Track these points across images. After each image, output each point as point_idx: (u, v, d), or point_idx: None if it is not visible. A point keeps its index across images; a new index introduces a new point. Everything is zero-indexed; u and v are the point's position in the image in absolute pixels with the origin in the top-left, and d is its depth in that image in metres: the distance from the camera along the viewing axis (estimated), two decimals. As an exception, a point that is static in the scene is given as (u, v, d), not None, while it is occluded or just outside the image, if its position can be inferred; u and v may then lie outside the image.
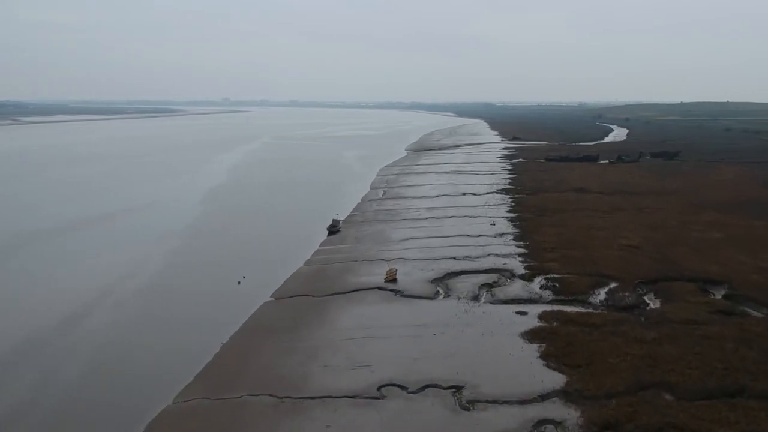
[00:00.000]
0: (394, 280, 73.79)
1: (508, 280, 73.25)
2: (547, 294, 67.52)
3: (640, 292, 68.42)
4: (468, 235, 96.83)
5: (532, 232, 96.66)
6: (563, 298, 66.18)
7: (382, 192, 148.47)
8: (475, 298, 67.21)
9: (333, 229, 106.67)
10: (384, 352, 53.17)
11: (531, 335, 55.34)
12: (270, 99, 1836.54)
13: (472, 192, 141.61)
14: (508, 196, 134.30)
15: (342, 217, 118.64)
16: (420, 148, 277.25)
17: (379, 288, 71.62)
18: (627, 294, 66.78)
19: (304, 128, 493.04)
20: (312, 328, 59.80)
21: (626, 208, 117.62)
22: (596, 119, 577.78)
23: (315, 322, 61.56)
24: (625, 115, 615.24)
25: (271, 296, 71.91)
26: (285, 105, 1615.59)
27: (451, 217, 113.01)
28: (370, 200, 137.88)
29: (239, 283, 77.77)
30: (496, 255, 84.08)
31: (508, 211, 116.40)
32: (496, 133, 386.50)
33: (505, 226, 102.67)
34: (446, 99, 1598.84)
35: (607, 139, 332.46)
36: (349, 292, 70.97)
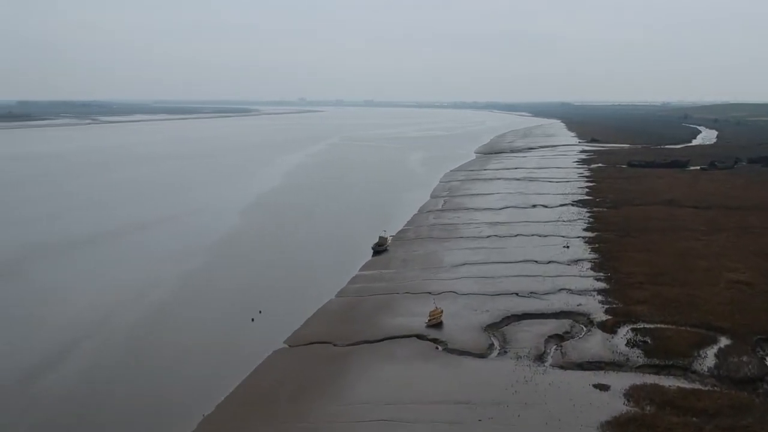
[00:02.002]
0: (438, 324, 59.17)
1: (584, 329, 57.43)
2: (636, 355, 51.43)
3: (762, 354, 51.63)
4: (536, 261, 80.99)
5: (614, 259, 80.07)
6: (657, 362, 49.97)
7: (443, 202, 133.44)
8: (540, 357, 51.74)
9: (379, 249, 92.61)
10: (406, 449, 38.59)
11: (615, 430, 39.59)
12: (345, 99, 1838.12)
13: (543, 204, 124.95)
14: (585, 210, 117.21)
15: (393, 231, 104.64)
16: (490, 151, 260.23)
17: (418, 336, 57.04)
18: (745, 358, 50.05)
19: (374, 128, 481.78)
20: (321, 398, 45.77)
21: (728, 227, 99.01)
22: (681, 120, 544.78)
23: (327, 388, 47.48)
24: (712, 115, 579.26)
25: (285, 342, 58.39)
26: (360, 105, 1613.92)
27: (516, 235, 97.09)
28: (428, 211, 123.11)
29: (253, 320, 64.61)
30: (570, 291, 68.15)
31: (585, 230, 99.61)
32: (573, 134, 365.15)
33: (582, 250, 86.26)
34: (522, 99, 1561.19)
35: (695, 142, 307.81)
36: (379, 340, 56.67)
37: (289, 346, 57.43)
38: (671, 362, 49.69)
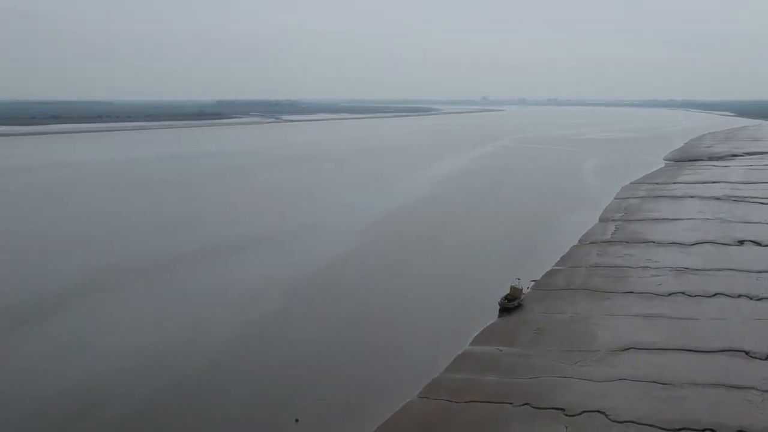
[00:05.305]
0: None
1: None
2: None
3: None
4: (746, 353, 51.41)
5: None
6: None
7: (614, 228, 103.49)
8: None
9: (508, 305, 66.58)
10: None
11: None
12: (528, 98, 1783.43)
13: (754, 239, 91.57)
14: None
15: (539, 272, 78.30)
16: (683, 158, 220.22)
17: None
18: None
19: (552, 129, 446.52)
20: None
21: None
22: None
23: None
24: None
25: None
26: (543, 104, 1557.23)
27: (715, 295, 66.82)
28: (591, 243, 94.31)
29: (277, 437, 42.11)
30: (812, 434, 38.96)
31: (825, 290, 67.20)
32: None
33: (824, 333, 55.13)
34: (724, 96, 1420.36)
35: None
36: None
37: None
38: None
